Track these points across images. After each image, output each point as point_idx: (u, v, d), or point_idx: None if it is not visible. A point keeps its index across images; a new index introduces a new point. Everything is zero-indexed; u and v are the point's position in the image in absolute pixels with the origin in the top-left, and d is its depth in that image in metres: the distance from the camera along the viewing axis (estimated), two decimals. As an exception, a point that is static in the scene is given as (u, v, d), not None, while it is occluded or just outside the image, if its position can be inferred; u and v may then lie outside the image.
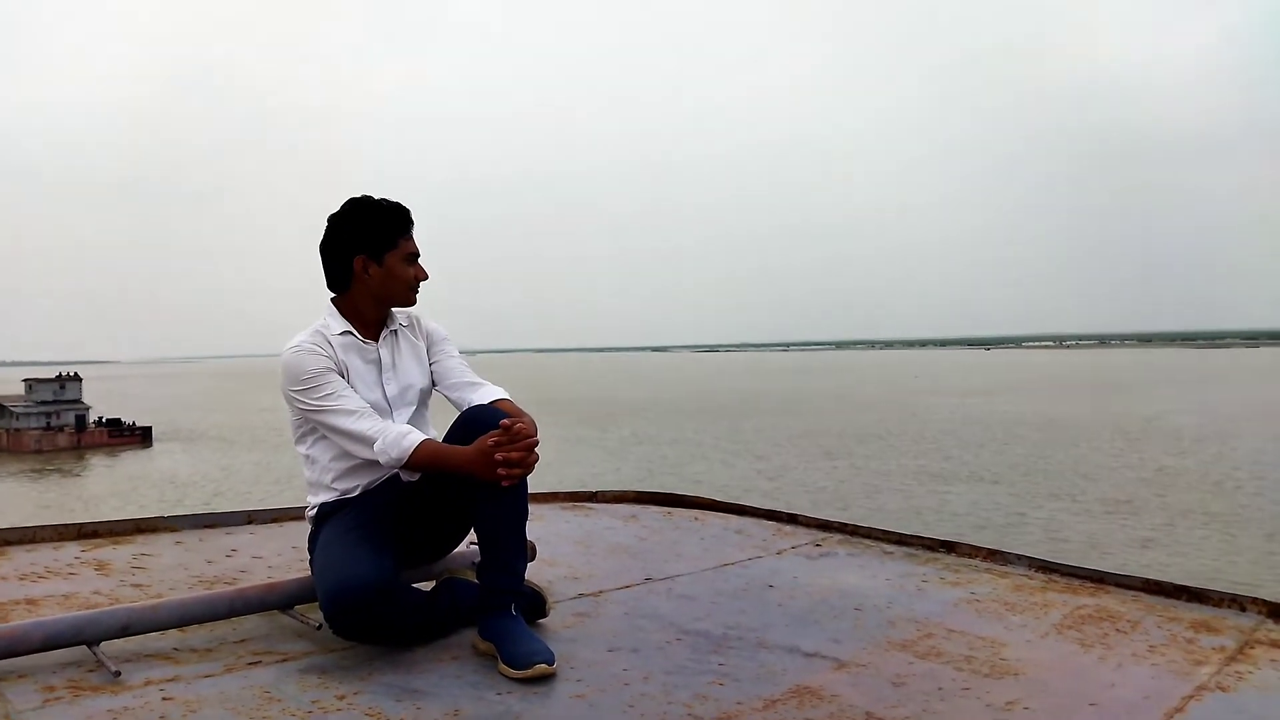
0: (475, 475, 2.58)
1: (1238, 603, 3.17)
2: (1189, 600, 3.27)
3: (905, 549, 4.08)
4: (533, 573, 3.36)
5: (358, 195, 2.85)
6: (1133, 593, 3.38)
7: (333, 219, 2.85)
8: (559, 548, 3.96)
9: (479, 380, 2.97)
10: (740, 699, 2.36)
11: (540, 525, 4.35)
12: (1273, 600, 3.13)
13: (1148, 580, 3.41)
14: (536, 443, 2.58)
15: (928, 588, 3.46)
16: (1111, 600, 3.28)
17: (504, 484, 2.54)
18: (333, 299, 2.95)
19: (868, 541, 4.21)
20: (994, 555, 3.85)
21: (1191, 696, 2.41)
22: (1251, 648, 2.79)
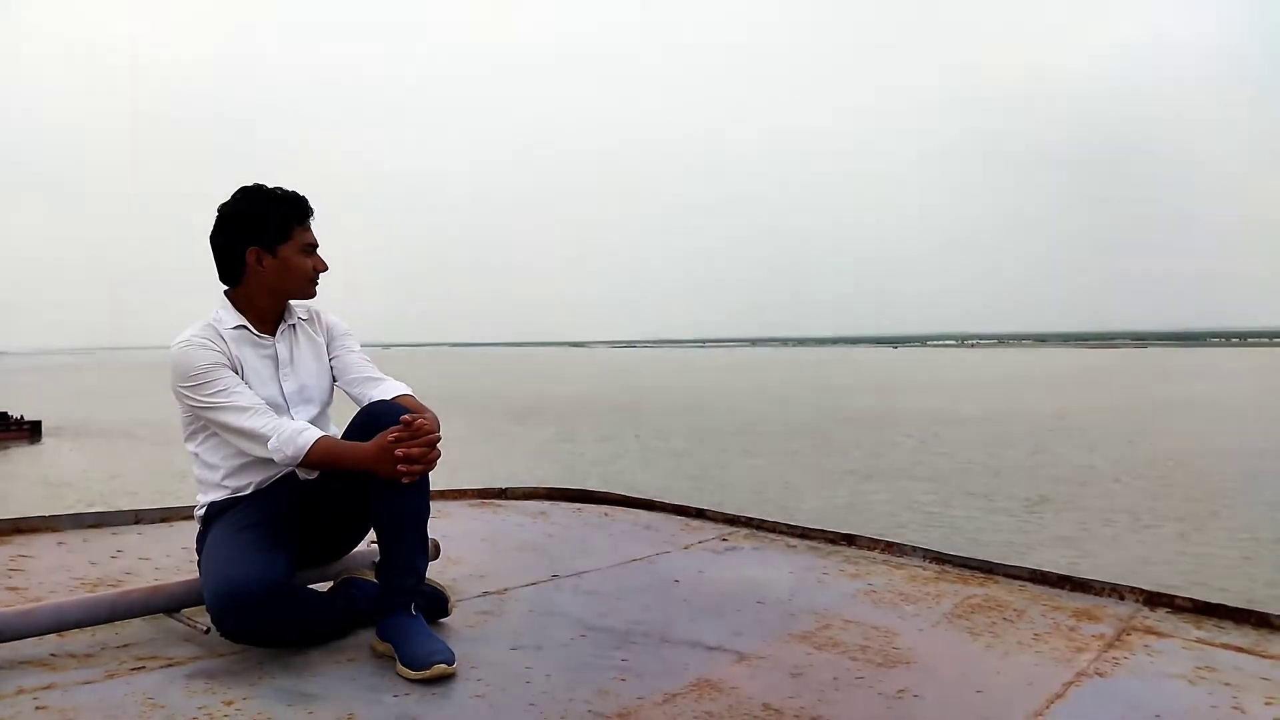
0: (375, 472, 2.52)
1: (1117, 592, 3.34)
2: (1072, 590, 3.43)
3: (809, 542, 4.17)
4: (436, 571, 3.31)
5: (249, 184, 2.75)
6: (1020, 583, 3.53)
7: (222, 209, 2.74)
8: (465, 545, 3.91)
9: (380, 375, 2.90)
10: (641, 694, 2.37)
11: (447, 523, 4.30)
12: (1149, 589, 3.31)
13: (1034, 570, 3.57)
14: (438, 439, 2.53)
15: (828, 580, 3.55)
16: (1000, 590, 3.42)
17: (404, 481, 2.49)
18: (225, 292, 2.84)
19: (773, 535, 4.29)
20: (891, 548, 3.97)
21: (1072, 682, 2.53)
22: (1128, 634, 2.94)
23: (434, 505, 4.78)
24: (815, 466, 16.18)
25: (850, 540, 4.12)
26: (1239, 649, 2.81)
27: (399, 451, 2.46)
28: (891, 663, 2.65)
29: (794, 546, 4.08)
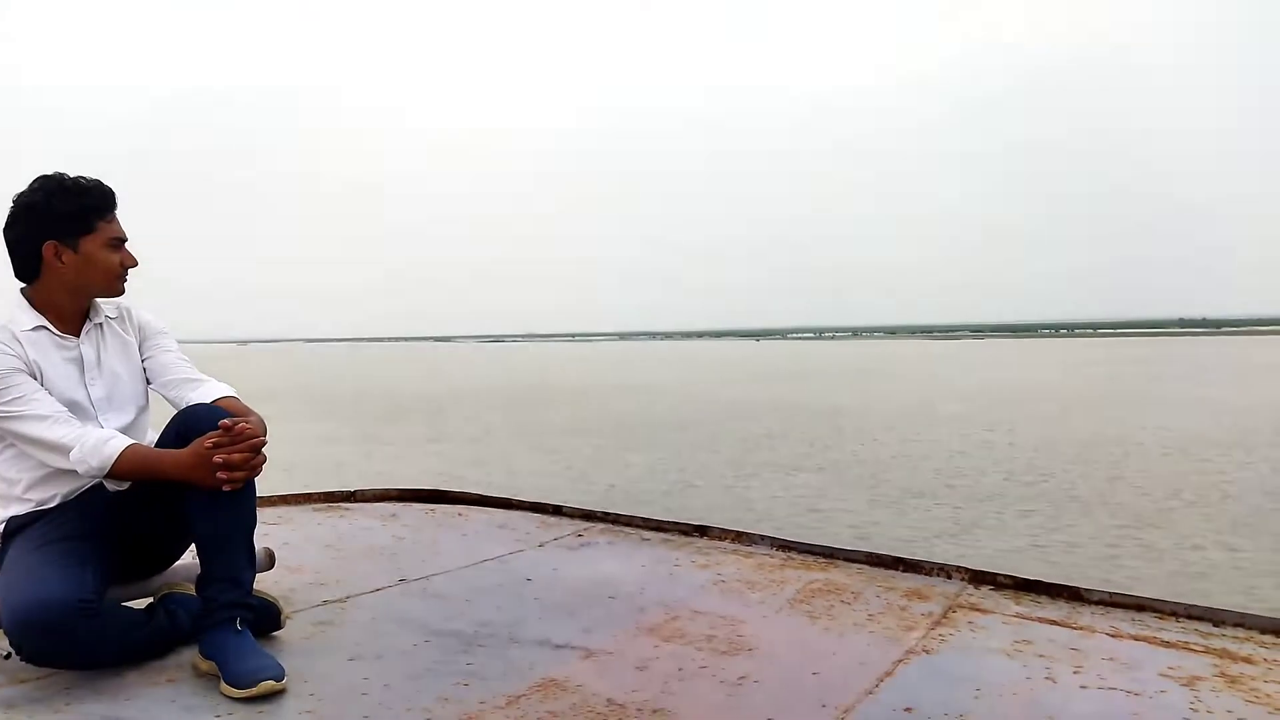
0: (192, 481, 2.36)
1: (945, 571, 3.54)
2: (905, 571, 3.60)
3: (662, 535, 4.21)
4: (271, 581, 3.15)
5: (49, 173, 2.52)
6: (858, 566, 3.68)
7: (17, 199, 2.50)
8: (306, 552, 3.74)
9: (200, 377, 2.72)
10: (484, 698, 2.32)
11: (288, 529, 4.10)
12: (974, 568, 3.52)
13: (870, 553, 3.73)
14: (262, 443, 2.40)
15: (679, 572, 3.59)
16: (839, 574, 3.56)
17: (225, 489, 2.35)
18: (22, 290, 2.59)
19: (628, 529, 4.31)
20: (741, 537, 4.07)
21: (901, 660, 2.65)
22: (954, 611, 3.11)
23: (275, 511, 4.57)
24: (679, 459, 16.42)
25: (702, 531, 4.19)
26: (1053, 622, 3.02)
27: (218, 458, 2.31)
28: (735, 650, 2.71)
29: (648, 540, 4.12)
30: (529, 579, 3.45)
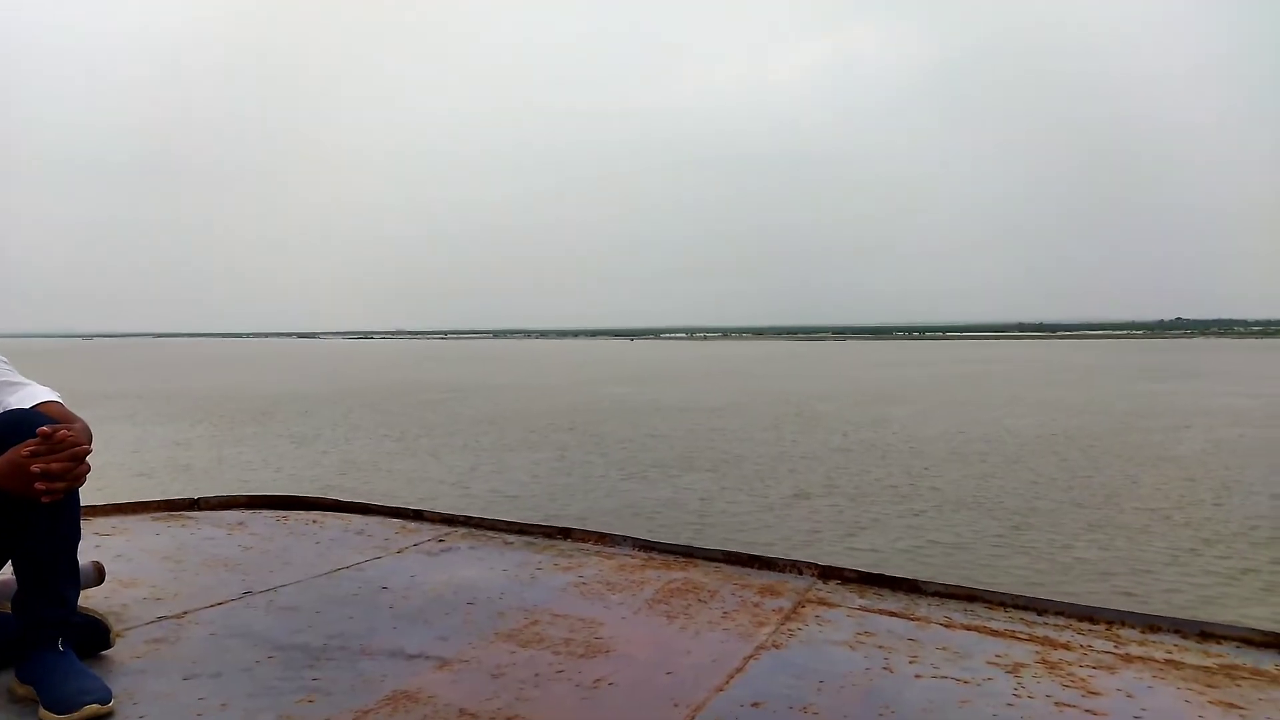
0: (8, 491, 2.19)
1: (796, 567, 3.67)
2: (760, 568, 3.72)
3: (526, 538, 4.19)
4: (102, 598, 2.96)
5: None
6: (715, 564, 3.78)
7: None
8: (143, 565, 3.52)
9: (20, 381, 2.52)
10: (329, 714, 2.25)
11: (123, 541, 3.86)
12: (823, 564, 3.67)
13: (727, 552, 3.84)
14: (86, 451, 2.24)
15: (541, 575, 3.58)
16: (698, 573, 3.64)
17: (44, 500, 2.18)
18: None
19: (490, 533, 4.27)
20: (604, 539, 4.10)
21: (752, 656, 2.74)
22: (803, 606, 3.24)
23: (110, 522, 4.28)
24: (546, 460, 16.35)
25: (566, 534, 4.19)
26: (893, 614, 3.19)
27: (36, 467, 2.14)
28: (593, 653, 2.73)
29: (511, 544, 4.09)
30: (385, 587, 3.37)
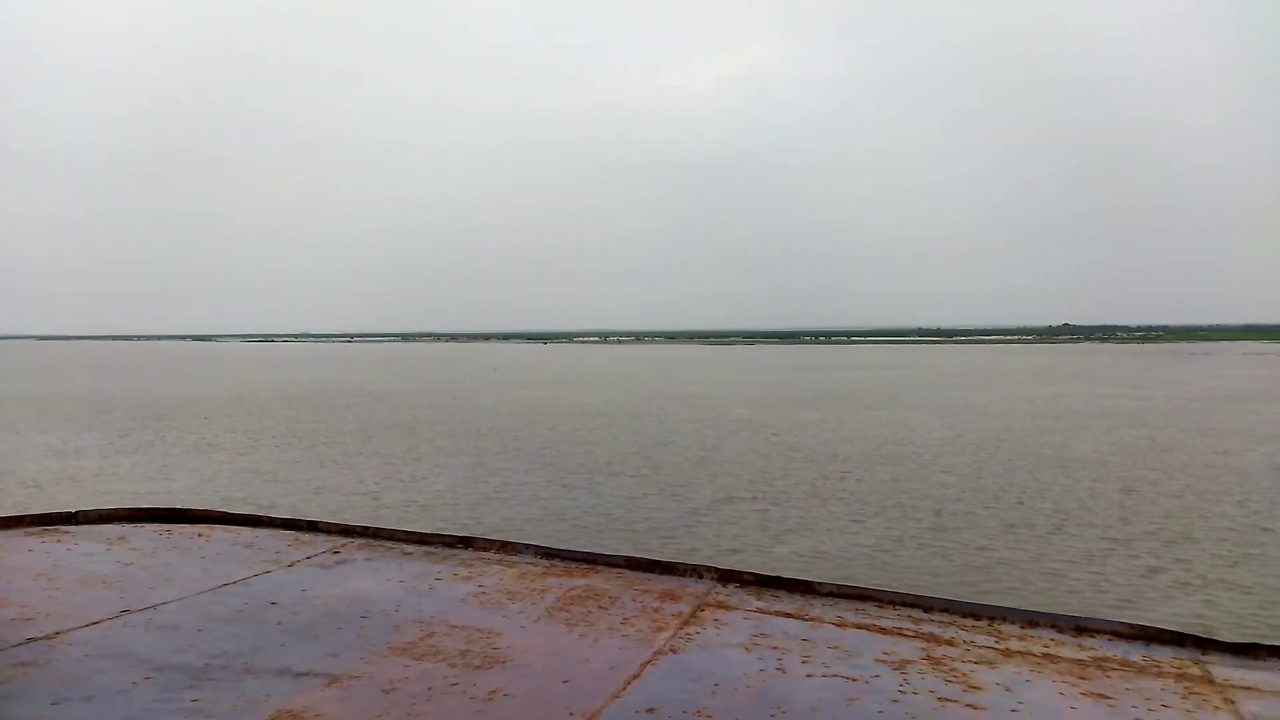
0: None
1: (697, 571, 3.71)
2: (662, 573, 3.75)
3: (425, 548, 4.12)
4: (-42, 622, 2.77)
5: None
6: (617, 570, 3.78)
7: None
8: (12, 584, 3.32)
9: None
10: None
11: None
12: (722, 568, 3.72)
13: (629, 558, 3.85)
14: None
15: (440, 585, 3.52)
16: (600, 580, 3.64)
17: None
18: None
19: (389, 544, 4.18)
20: (506, 547, 4.06)
21: (649, 662, 2.75)
22: (703, 610, 3.28)
23: (-25, 538, 4.01)
24: (464, 466, 16.06)
25: (467, 543, 4.14)
26: (788, 615, 3.25)
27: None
28: (489, 664, 2.69)
29: (410, 554, 4.01)
30: (274, 602, 3.25)
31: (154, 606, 3.14)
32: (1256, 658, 2.95)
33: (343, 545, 4.12)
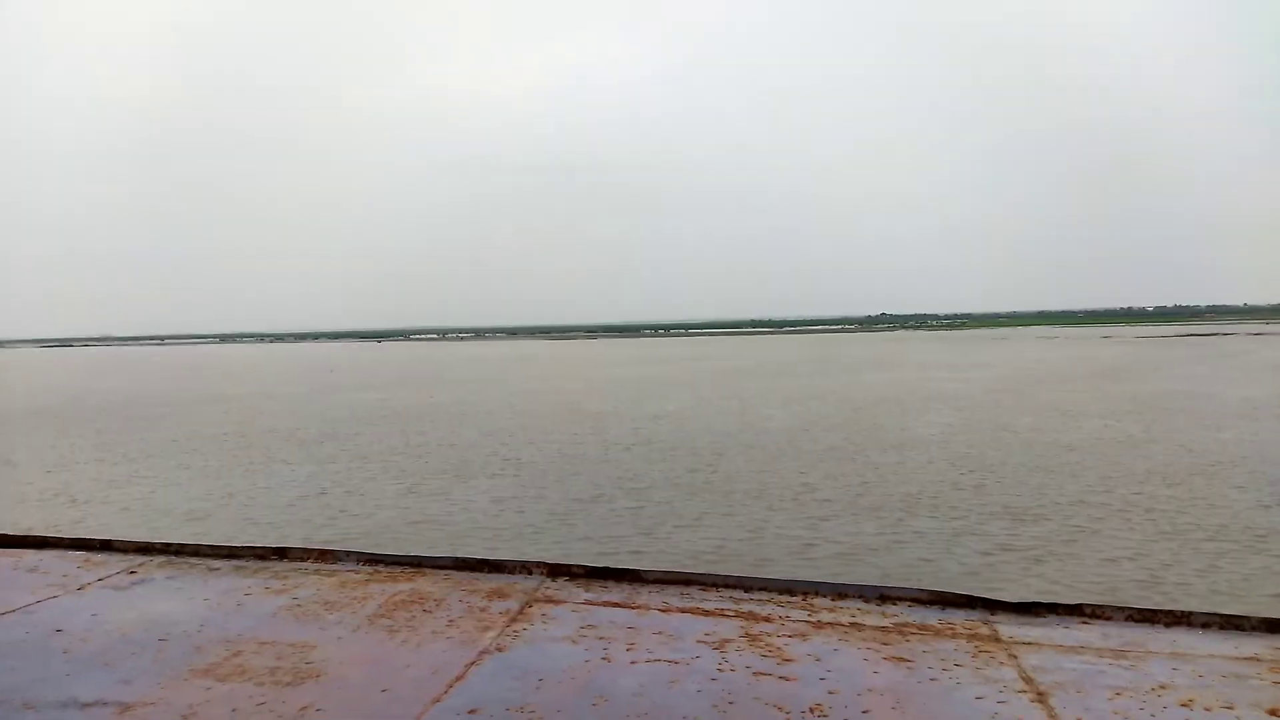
0: None
1: (526, 568, 3.69)
2: (490, 571, 3.70)
3: (235, 562, 3.88)
4: None
5: None
6: (444, 572, 3.71)
7: None
8: None
9: None
10: None
11: None
12: (552, 562, 3.72)
13: (457, 558, 3.78)
14: None
15: (249, 601, 3.33)
16: (425, 583, 3.55)
17: None
18: None
19: (194, 560, 3.91)
20: (325, 555, 3.89)
21: (474, 662, 2.71)
22: (531, 606, 3.26)
23: None
24: (306, 476, 15.19)
25: (282, 553, 3.93)
26: (616, 604, 3.29)
27: None
28: (301, 679, 2.57)
29: (217, 569, 3.77)
30: (59, 629, 2.98)
31: None
32: (1038, 615, 3.25)
33: (140, 565, 3.82)
